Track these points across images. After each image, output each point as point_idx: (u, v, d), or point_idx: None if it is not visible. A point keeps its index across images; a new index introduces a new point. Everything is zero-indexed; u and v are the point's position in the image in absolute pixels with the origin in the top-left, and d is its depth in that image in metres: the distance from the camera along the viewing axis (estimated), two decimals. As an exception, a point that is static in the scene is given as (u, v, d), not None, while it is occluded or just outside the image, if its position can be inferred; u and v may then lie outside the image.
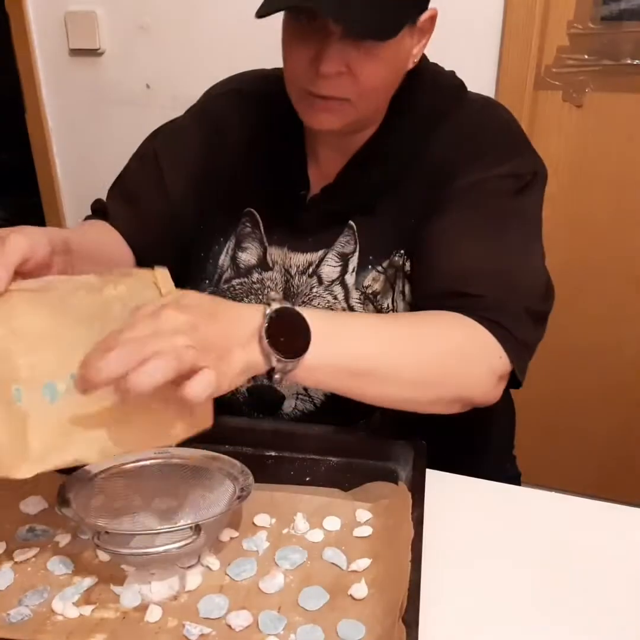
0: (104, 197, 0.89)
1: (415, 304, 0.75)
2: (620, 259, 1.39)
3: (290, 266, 0.78)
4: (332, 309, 0.76)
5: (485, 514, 0.66)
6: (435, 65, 0.78)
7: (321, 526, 0.62)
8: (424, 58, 0.75)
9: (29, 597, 0.55)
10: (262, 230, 0.79)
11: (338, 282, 0.76)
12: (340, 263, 0.76)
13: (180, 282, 0.86)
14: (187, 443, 0.69)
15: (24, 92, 1.57)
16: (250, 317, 0.53)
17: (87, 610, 0.53)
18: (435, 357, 0.62)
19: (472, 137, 0.73)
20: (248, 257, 0.80)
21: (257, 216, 0.79)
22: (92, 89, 1.51)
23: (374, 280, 0.75)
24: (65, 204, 1.65)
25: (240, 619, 0.52)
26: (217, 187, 0.82)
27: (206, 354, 0.48)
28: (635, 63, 1.21)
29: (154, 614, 0.53)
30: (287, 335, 0.53)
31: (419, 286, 0.74)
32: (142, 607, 0.54)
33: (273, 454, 0.72)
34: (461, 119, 0.74)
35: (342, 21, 0.60)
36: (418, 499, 0.61)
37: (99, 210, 0.87)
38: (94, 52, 1.46)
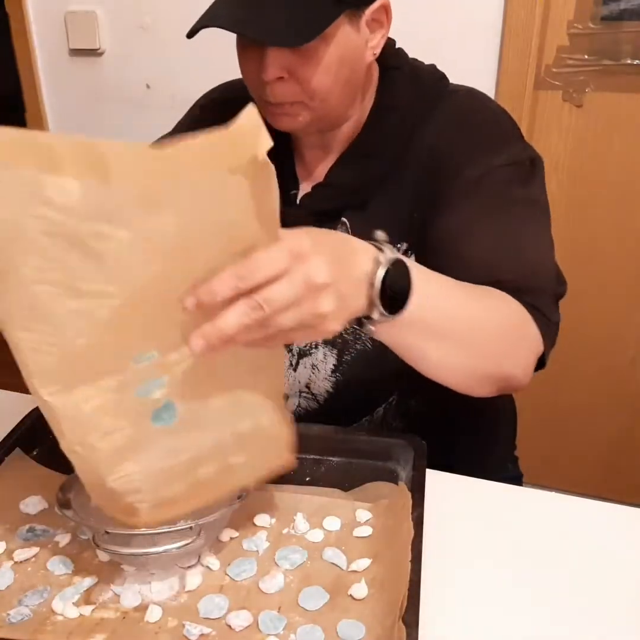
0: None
1: None
2: (621, 258, 1.39)
3: None
4: None
5: (486, 514, 0.66)
6: (414, 59, 0.78)
7: (321, 526, 0.62)
8: (401, 52, 0.76)
9: (29, 597, 0.55)
10: None
11: None
12: None
13: None
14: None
15: (24, 91, 1.57)
16: (364, 260, 0.51)
17: (87, 610, 0.54)
18: (499, 330, 0.63)
19: (463, 125, 0.72)
20: None
21: None
22: (92, 88, 1.51)
23: None
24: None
25: (240, 619, 0.52)
26: None
27: (339, 311, 0.47)
28: (635, 63, 1.20)
29: (154, 614, 0.53)
30: (394, 291, 0.52)
31: None
32: (142, 607, 0.54)
33: (273, 454, 0.72)
34: (448, 109, 0.74)
35: (251, 33, 0.61)
36: (418, 499, 0.61)
37: None
38: (94, 52, 1.46)
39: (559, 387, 1.53)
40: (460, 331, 0.60)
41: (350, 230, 0.76)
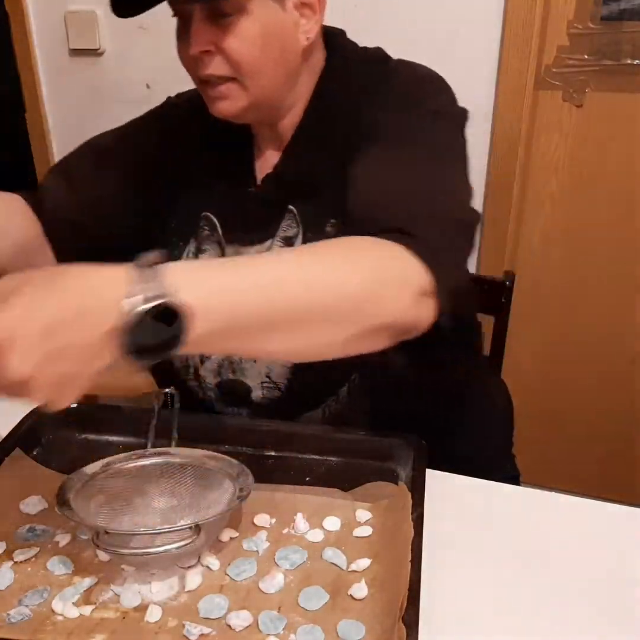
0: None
1: None
2: (621, 259, 1.39)
3: None
4: None
5: (485, 514, 0.66)
6: (354, 44, 0.78)
7: (321, 526, 0.62)
8: (341, 40, 0.77)
9: (29, 597, 0.55)
10: (220, 231, 0.80)
11: None
12: (285, 247, 0.76)
13: None
14: (187, 443, 0.69)
15: (24, 91, 1.57)
16: (103, 316, 0.43)
17: (87, 610, 0.53)
18: (338, 288, 0.54)
19: (391, 92, 0.72)
20: (208, 258, 0.81)
21: (214, 219, 0.80)
22: (92, 88, 1.51)
23: None
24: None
25: (240, 619, 0.52)
26: (170, 194, 0.83)
27: (63, 385, 0.42)
28: (635, 63, 1.20)
29: (154, 614, 0.53)
30: (155, 336, 0.44)
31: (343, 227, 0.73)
32: (142, 607, 0.54)
33: (273, 454, 0.72)
34: (386, 88, 0.73)
35: None
36: (418, 499, 0.61)
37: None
38: (94, 52, 1.46)
39: (558, 386, 1.53)
40: (284, 312, 0.52)
41: (298, 219, 0.76)
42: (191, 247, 0.82)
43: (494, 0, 1.18)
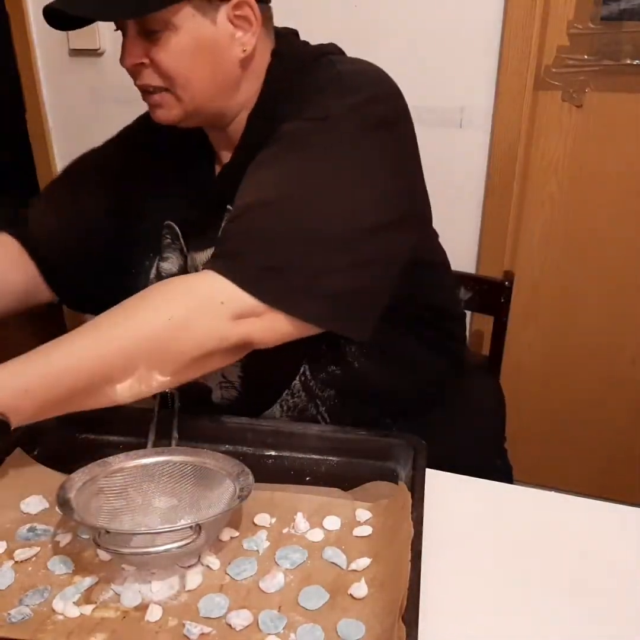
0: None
1: None
2: (620, 259, 1.40)
3: (197, 266, 0.80)
4: None
5: (485, 513, 0.66)
6: (303, 43, 0.77)
7: (321, 526, 0.62)
8: (288, 40, 0.76)
9: (29, 596, 0.55)
10: (182, 239, 0.81)
11: None
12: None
13: (118, 298, 0.86)
14: (187, 443, 0.69)
15: (24, 91, 1.57)
16: None
17: (87, 609, 0.54)
18: (139, 334, 0.60)
19: (304, 94, 0.70)
20: (170, 266, 0.83)
21: (176, 227, 0.82)
22: (92, 88, 1.51)
23: None
24: (65, 203, 1.65)
25: (240, 619, 0.52)
26: (139, 204, 0.84)
27: None
28: (635, 63, 1.20)
29: (154, 614, 0.53)
30: None
31: None
32: (143, 607, 0.54)
33: (273, 453, 0.72)
34: (305, 84, 0.72)
35: (74, 9, 0.65)
36: (418, 498, 0.61)
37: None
38: (94, 52, 1.46)
39: (558, 386, 1.53)
40: (104, 374, 0.59)
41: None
42: (157, 257, 0.84)
43: (494, 1, 1.18)
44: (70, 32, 1.46)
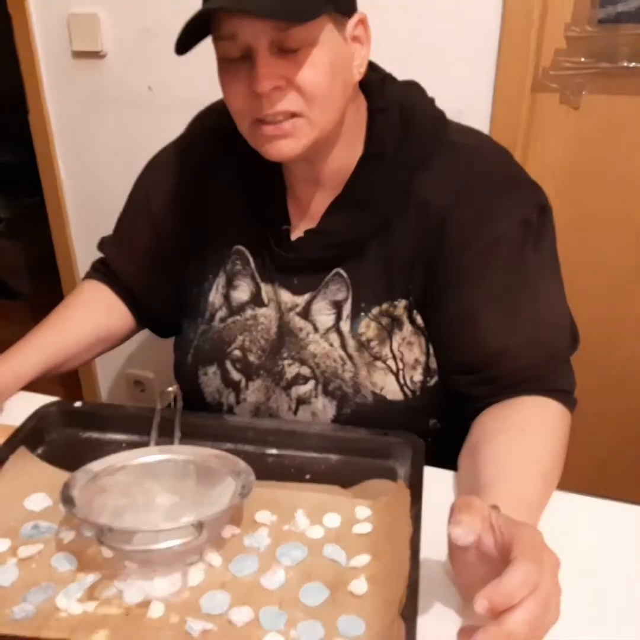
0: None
1: (443, 374, 0.76)
2: (618, 261, 1.40)
3: (280, 302, 0.78)
4: (328, 356, 0.76)
5: (484, 511, 0.66)
6: (405, 97, 0.74)
7: (321, 523, 0.62)
8: (388, 89, 0.73)
9: (33, 593, 0.55)
10: (253, 266, 0.79)
11: (334, 330, 0.76)
12: (333, 311, 0.76)
13: (179, 319, 0.90)
14: (189, 441, 0.70)
15: (27, 93, 1.57)
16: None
17: (90, 606, 0.54)
18: (552, 468, 0.68)
19: (463, 189, 0.70)
20: (240, 294, 0.80)
21: (247, 253, 0.80)
22: (94, 90, 1.51)
23: (366, 326, 0.75)
24: (67, 203, 1.65)
25: (241, 615, 0.53)
26: (206, 224, 0.83)
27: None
28: (632, 66, 1.21)
29: (156, 610, 0.54)
30: None
31: (444, 358, 0.75)
32: (145, 603, 0.54)
33: (274, 451, 0.72)
34: (446, 165, 0.71)
35: (249, 6, 0.59)
36: (416, 496, 0.61)
37: (103, 257, 0.95)
38: (97, 54, 1.47)
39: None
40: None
41: (348, 283, 0.75)
42: (221, 279, 0.82)
43: (492, 3, 1.19)
44: (72, 34, 1.47)
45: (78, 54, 1.50)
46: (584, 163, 1.32)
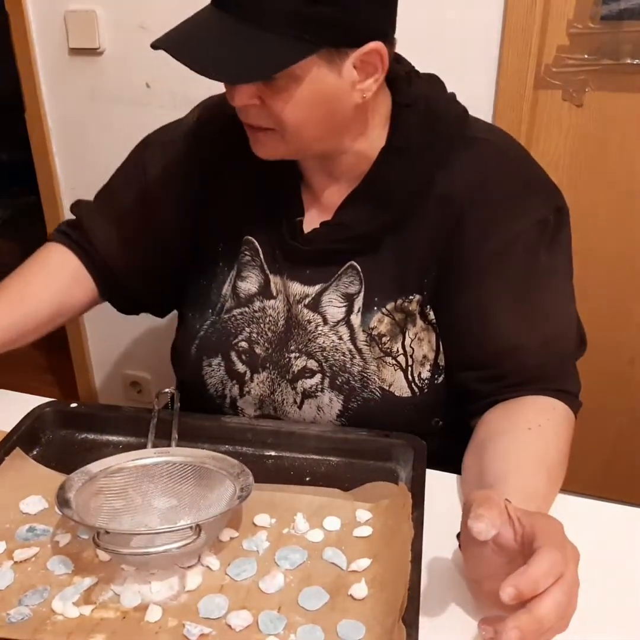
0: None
1: (450, 370, 0.75)
2: (620, 259, 1.39)
3: (289, 295, 0.77)
4: (337, 349, 0.76)
5: (485, 513, 0.66)
6: (430, 92, 0.73)
7: (321, 526, 0.62)
8: (415, 84, 0.72)
9: (29, 596, 0.55)
10: (262, 257, 0.78)
11: (343, 323, 0.75)
12: (345, 303, 0.75)
13: (180, 310, 0.87)
14: (187, 443, 0.69)
15: (24, 91, 1.56)
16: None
17: (87, 610, 0.54)
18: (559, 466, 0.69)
19: (483, 184, 0.70)
20: (248, 285, 0.79)
21: (256, 243, 0.78)
22: (91, 88, 1.50)
23: (379, 321, 0.75)
24: (64, 202, 1.64)
25: (240, 619, 0.53)
26: (217, 215, 0.81)
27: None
28: (635, 62, 1.20)
29: (154, 614, 0.53)
30: None
31: (454, 353, 0.75)
32: (142, 607, 0.54)
33: (273, 454, 0.72)
34: (466, 159, 0.71)
35: (194, 65, 0.59)
36: (418, 499, 0.61)
37: (74, 221, 0.89)
38: (94, 52, 1.46)
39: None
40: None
41: (362, 276, 0.74)
42: (234, 272, 0.80)
43: (494, 1, 1.18)
44: (69, 31, 1.46)
45: (75, 51, 1.49)
46: (587, 160, 1.32)
